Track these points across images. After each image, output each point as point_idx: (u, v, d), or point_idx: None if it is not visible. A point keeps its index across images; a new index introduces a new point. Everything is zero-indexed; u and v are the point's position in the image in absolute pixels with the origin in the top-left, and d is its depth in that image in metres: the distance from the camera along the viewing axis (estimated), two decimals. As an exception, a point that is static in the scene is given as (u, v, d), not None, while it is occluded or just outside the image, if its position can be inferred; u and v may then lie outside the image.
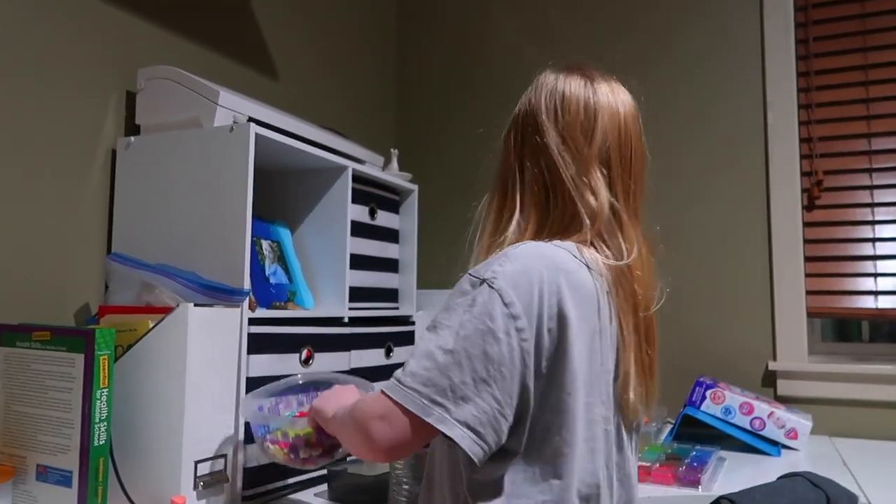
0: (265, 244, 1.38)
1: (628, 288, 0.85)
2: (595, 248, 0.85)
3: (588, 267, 0.82)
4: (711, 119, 2.01)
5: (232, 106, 1.28)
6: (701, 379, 1.67)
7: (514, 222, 0.88)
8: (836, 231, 1.89)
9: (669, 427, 1.70)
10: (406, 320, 1.70)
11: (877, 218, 1.86)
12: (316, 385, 1.21)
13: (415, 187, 1.74)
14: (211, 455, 1.07)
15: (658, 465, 1.36)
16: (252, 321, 1.18)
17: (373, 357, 1.52)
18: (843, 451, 1.59)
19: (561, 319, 0.76)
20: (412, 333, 1.69)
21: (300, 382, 1.20)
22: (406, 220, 1.74)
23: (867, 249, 1.86)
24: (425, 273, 2.06)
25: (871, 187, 1.87)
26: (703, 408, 1.61)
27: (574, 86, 0.91)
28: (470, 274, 0.80)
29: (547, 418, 0.76)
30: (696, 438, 1.57)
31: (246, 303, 1.16)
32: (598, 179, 0.86)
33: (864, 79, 1.90)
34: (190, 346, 1.04)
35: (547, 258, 0.79)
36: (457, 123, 2.34)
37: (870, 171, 1.88)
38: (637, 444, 0.91)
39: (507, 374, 0.74)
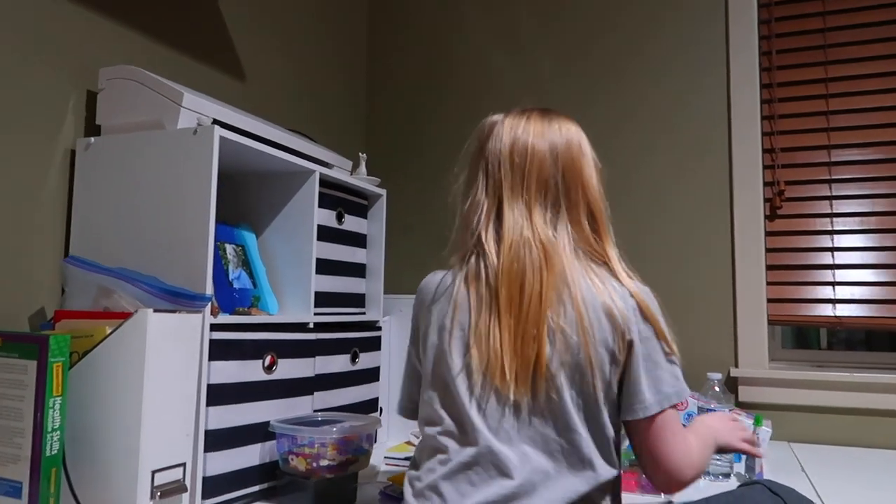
0: (229, 248, 1.36)
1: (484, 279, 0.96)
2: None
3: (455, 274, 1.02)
4: (676, 129, 2.03)
5: (196, 108, 1.26)
6: (665, 385, 1.68)
7: None
8: (797, 240, 1.94)
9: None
10: (372, 326, 1.69)
11: (836, 228, 1.90)
12: (331, 422, 1.30)
13: (383, 192, 1.73)
14: (169, 464, 1.05)
15: (622, 472, 1.37)
16: (214, 327, 1.16)
17: (339, 363, 1.50)
18: (802, 456, 1.62)
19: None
20: (378, 339, 1.68)
21: (318, 419, 1.35)
22: (374, 225, 1.73)
23: (826, 259, 1.91)
24: (393, 278, 2.06)
25: (831, 198, 1.92)
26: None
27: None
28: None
29: None
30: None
31: (208, 308, 1.14)
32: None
33: (824, 92, 1.94)
34: (149, 353, 1.02)
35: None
36: (426, 129, 2.34)
37: (829, 181, 1.92)
38: (547, 415, 0.90)
39: None
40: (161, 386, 1.04)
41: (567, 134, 1.01)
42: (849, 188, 1.90)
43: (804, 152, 1.95)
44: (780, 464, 1.54)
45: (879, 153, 1.88)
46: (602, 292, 0.92)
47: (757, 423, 1.45)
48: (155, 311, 1.04)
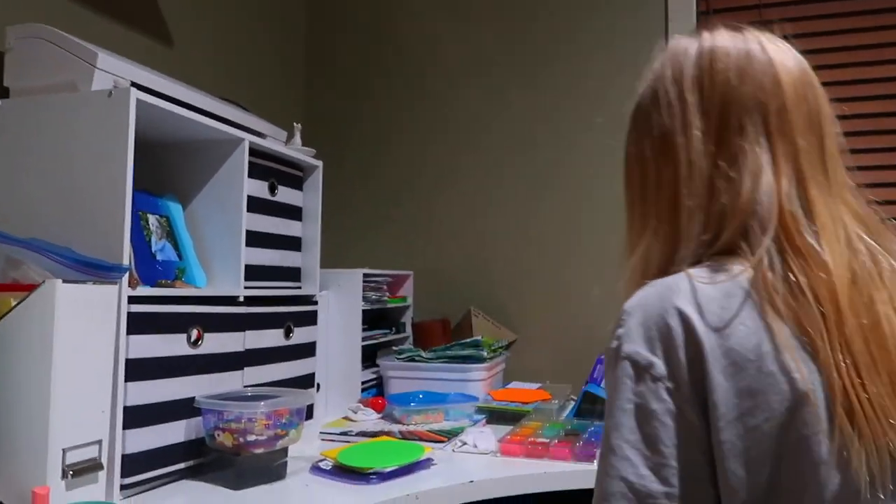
0: (152, 219, 1.30)
1: None
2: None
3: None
4: (616, 104, 2.03)
5: (112, 69, 1.20)
6: (602, 356, 1.71)
7: None
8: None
9: (572, 404, 1.73)
10: (308, 300, 1.65)
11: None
12: (262, 397, 1.25)
13: (319, 163, 1.69)
14: (83, 442, 1.00)
15: (556, 441, 1.38)
16: (133, 299, 1.11)
17: (271, 338, 1.46)
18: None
19: None
20: (314, 314, 1.64)
21: (248, 395, 1.30)
22: (310, 198, 1.69)
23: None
24: (332, 252, 2.02)
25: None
26: (603, 385, 1.64)
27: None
28: None
29: None
30: (599, 415, 1.60)
31: (125, 280, 1.09)
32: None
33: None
34: (58, 325, 0.97)
35: None
36: (367, 100, 2.29)
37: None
38: None
39: None
40: (72, 360, 0.99)
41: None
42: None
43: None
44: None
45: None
46: None
47: None
48: (64, 281, 0.98)
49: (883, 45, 1.88)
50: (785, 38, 0.71)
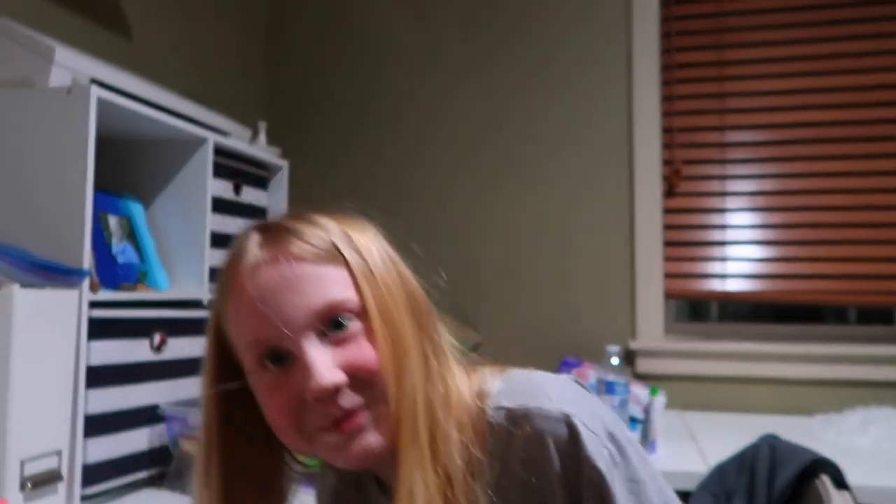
0: (112, 220, 1.26)
1: None
2: None
3: None
4: (576, 103, 2.06)
5: (71, 64, 1.15)
6: (567, 359, 1.73)
7: None
8: (692, 218, 2.02)
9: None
10: (273, 302, 1.62)
11: (726, 206, 1.99)
12: None
13: (284, 163, 1.66)
14: (42, 452, 0.97)
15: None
16: (94, 304, 1.08)
17: (235, 341, 1.44)
18: (692, 423, 1.70)
19: None
20: (280, 316, 1.62)
21: None
22: (275, 198, 1.66)
23: (717, 236, 2.00)
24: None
25: (723, 177, 2.00)
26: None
27: None
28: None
29: None
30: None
31: (86, 284, 1.06)
32: None
33: (718, 74, 2.02)
34: (15, 331, 0.93)
35: None
36: (330, 97, 2.26)
37: (722, 161, 2.01)
38: None
39: None
40: (30, 367, 0.95)
41: None
42: (739, 168, 2.00)
43: (700, 133, 2.03)
44: (671, 431, 1.61)
45: (767, 135, 1.98)
46: None
47: (652, 392, 1.51)
48: (21, 286, 0.95)
49: (836, 56, 1.94)
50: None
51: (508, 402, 0.60)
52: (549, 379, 0.63)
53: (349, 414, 0.57)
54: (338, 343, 0.57)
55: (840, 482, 0.78)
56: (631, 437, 0.61)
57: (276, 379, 0.58)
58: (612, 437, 0.58)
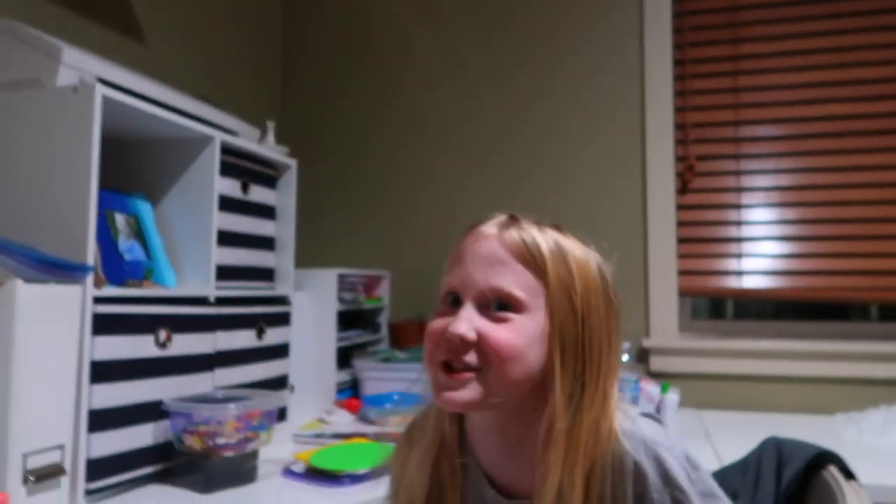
0: (120, 218, 1.27)
1: None
2: None
3: None
4: (590, 103, 2.04)
5: (78, 64, 1.17)
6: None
7: None
8: (706, 214, 1.98)
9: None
10: (282, 300, 1.63)
11: (742, 202, 1.96)
12: (232, 400, 1.22)
13: (293, 162, 1.67)
14: (45, 447, 0.98)
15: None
16: (99, 300, 1.09)
17: (243, 339, 1.44)
18: (708, 421, 1.67)
19: None
20: (288, 314, 1.62)
21: (219, 397, 1.27)
22: (284, 197, 1.66)
23: (733, 232, 1.96)
24: (306, 252, 2.00)
25: (738, 172, 1.97)
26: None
27: None
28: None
29: None
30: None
31: (90, 280, 1.07)
32: None
33: (733, 69, 1.99)
34: (18, 326, 0.94)
35: None
36: (343, 100, 2.27)
37: (737, 157, 1.97)
38: None
39: None
40: (34, 362, 0.96)
41: None
42: (755, 164, 1.96)
43: (714, 128, 1.99)
44: (686, 429, 1.58)
45: (784, 130, 1.94)
46: None
47: (663, 390, 1.48)
48: (25, 281, 0.96)
49: (854, 49, 1.90)
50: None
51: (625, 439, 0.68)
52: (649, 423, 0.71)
53: (460, 369, 0.67)
54: (492, 319, 0.68)
55: (848, 473, 0.75)
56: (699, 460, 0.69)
57: (444, 311, 0.71)
58: (688, 458, 0.68)
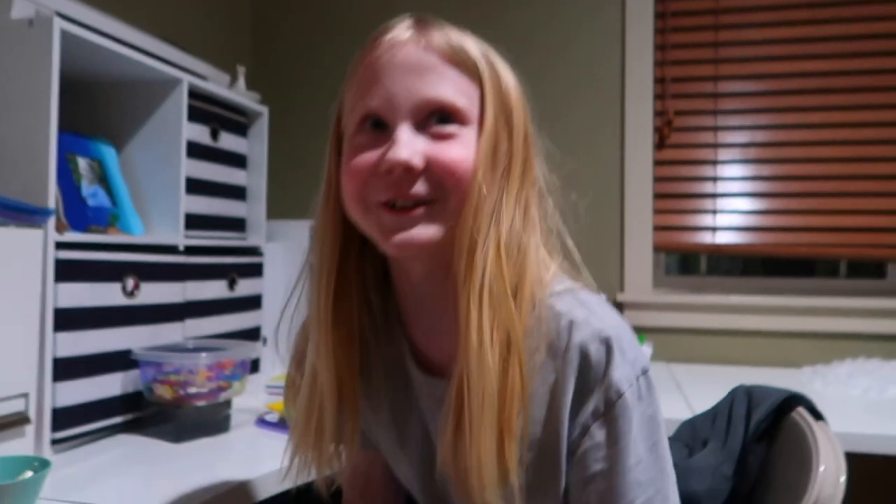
0: (82, 162, 1.22)
1: None
2: None
3: None
4: (570, 55, 2.01)
5: (33, -3, 1.10)
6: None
7: None
8: (682, 170, 1.98)
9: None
10: (254, 251, 1.59)
11: (719, 158, 1.96)
12: (204, 350, 1.20)
13: (264, 109, 1.61)
14: (7, 395, 0.95)
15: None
16: (61, 245, 1.05)
17: (214, 289, 1.41)
18: (679, 374, 1.69)
19: None
20: (260, 265, 1.59)
21: (189, 347, 1.25)
22: (255, 145, 1.62)
23: (708, 188, 1.96)
24: (280, 204, 1.96)
25: (715, 128, 1.96)
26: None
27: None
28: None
29: None
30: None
31: (51, 224, 1.02)
32: None
33: (713, 23, 1.96)
34: (-25, 270, 0.90)
35: None
36: (319, 46, 2.20)
37: (715, 112, 1.96)
38: None
39: None
40: (-7, 308, 0.93)
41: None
42: (732, 119, 1.95)
43: (693, 83, 1.98)
44: (658, 381, 1.59)
45: (761, 86, 1.93)
46: None
47: (639, 341, 1.49)
48: (-19, 223, 0.91)
49: (834, 4, 1.89)
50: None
51: (560, 302, 0.60)
52: (608, 308, 0.63)
53: (409, 206, 0.57)
54: (434, 137, 0.58)
55: (817, 415, 0.76)
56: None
57: (366, 142, 0.59)
58: (646, 376, 0.60)
